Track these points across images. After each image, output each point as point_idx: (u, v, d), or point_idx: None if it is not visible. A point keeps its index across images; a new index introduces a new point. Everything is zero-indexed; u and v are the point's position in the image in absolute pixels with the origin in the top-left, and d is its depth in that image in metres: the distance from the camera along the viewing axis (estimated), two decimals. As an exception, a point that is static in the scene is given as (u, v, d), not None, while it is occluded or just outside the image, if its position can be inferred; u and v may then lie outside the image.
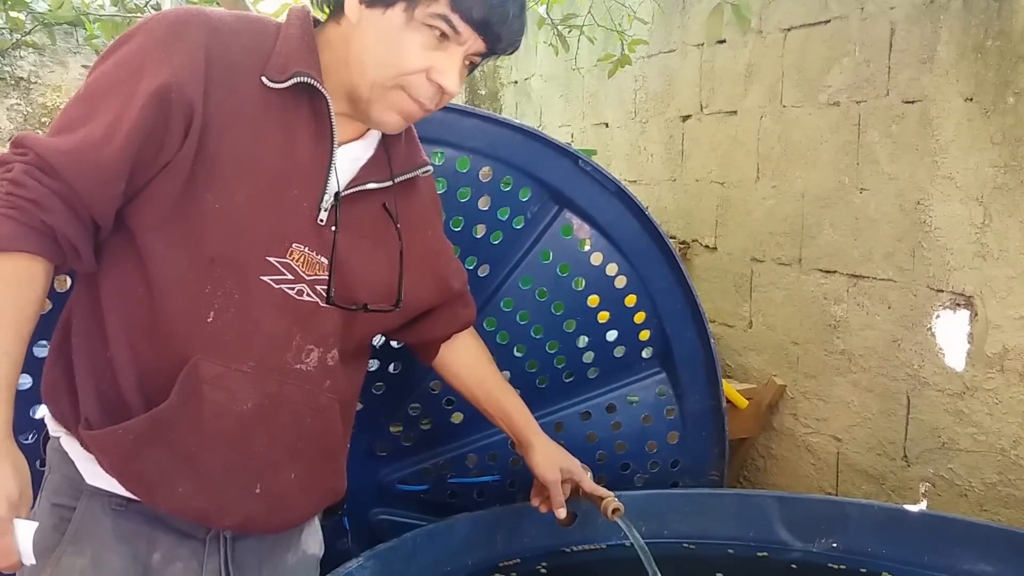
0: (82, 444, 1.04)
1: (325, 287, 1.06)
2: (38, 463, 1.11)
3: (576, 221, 1.61)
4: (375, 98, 1.03)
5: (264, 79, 1.00)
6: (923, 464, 1.91)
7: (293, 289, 1.04)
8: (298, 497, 1.12)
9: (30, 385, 1.22)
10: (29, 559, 0.91)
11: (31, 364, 1.05)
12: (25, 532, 0.90)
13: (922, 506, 1.87)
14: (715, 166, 2.57)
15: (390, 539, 1.33)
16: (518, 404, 1.35)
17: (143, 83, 0.95)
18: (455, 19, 0.99)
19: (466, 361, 1.34)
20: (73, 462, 1.06)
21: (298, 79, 1.00)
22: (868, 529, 1.44)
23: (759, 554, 1.46)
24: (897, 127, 1.94)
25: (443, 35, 1.00)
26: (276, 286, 1.03)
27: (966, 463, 1.82)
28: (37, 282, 0.94)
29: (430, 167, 1.19)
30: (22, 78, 3.47)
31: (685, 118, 2.72)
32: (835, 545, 1.44)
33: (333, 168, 1.04)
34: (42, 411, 1.15)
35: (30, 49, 3.39)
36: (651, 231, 1.64)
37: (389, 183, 1.11)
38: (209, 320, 1.00)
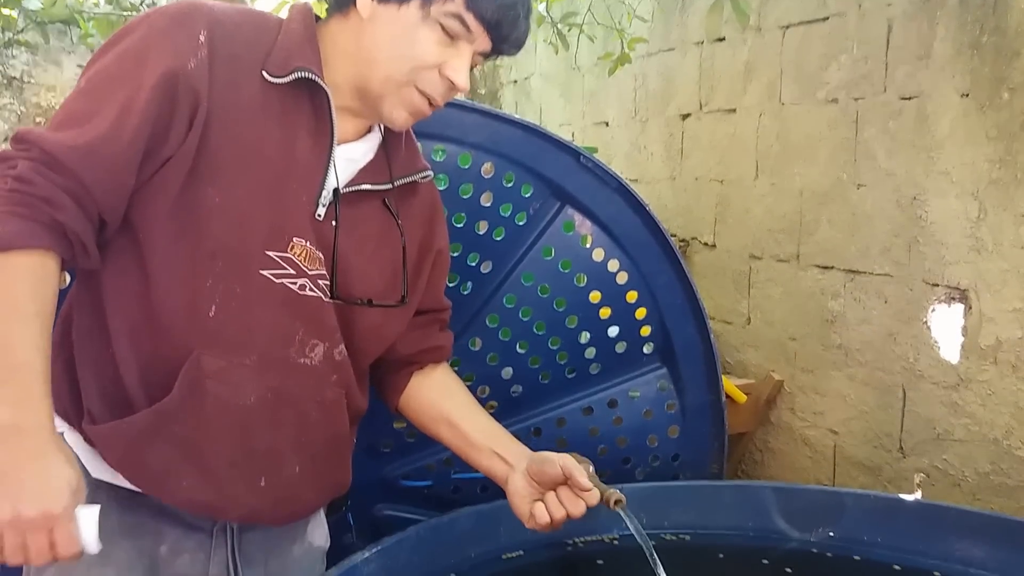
0: (85, 439, 1.04)
1: (327, 282, 1.06)
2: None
3: (578, 217, 1.61)
4: (387, 93, 1.04)
5: (264, 74, 1.01)
6: (918, 455, 1.94)
7: (295, 284, 1.04)
8: (303, 490, 1.13)
9: None
10: (94, 547, 0.89)
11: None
12: (88, 519, 0.88)
13: (917, 496, 1.89)
14: (714, 164, 2.59)
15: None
16: (500, 428, 1.27)
17: (148, 74, 0.95)
18: (469, 18, 1.02)
19: (444, 388, 1.26)
20: (77, 457, 1.05)
21: (298, 74, 1.01)
22: (864, 519, 1.46)
23: (758, 544, 1.48)
24: (894, 123, 1.96)
25: (455, 33, 1.02)
26: (277, 280, 1.03)
27: (960, 453, 1.84)
28: (52, 278, 0.93)
29: (430, 172, 1.19)
30: (15, 77, 3.39)
31: (685, 116, 2.74)
32: (832, 534, 1.46)
33: (332, 164, 1.05)
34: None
35: (23, 48, 3.30)
36: (652, 227, 1.65)
37: (388, 186, 1.12)
38: (211, 314, 1.00)
